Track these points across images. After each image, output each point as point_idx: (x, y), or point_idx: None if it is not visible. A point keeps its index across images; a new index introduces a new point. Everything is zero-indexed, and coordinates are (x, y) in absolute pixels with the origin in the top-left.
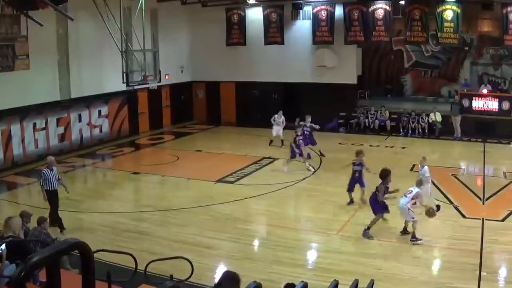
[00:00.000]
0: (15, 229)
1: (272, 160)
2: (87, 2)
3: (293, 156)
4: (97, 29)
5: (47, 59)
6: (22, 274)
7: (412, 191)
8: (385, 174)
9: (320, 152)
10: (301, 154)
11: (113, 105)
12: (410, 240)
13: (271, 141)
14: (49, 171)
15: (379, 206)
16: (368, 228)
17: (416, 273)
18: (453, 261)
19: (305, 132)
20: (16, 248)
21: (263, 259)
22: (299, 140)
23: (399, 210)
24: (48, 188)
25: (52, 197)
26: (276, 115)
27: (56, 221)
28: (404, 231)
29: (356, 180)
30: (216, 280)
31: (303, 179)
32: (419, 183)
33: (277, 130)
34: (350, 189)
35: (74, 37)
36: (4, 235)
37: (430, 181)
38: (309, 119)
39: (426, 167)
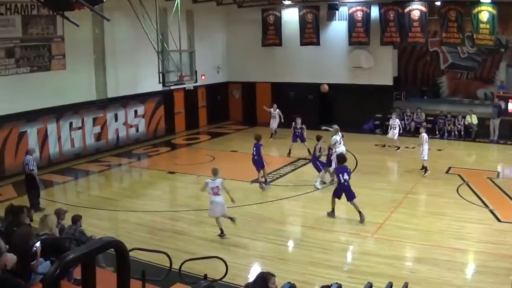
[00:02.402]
0: (51, 227)
1: (308, 161)
2: (123, 3)
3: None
4: (133, 30)
5: (83, 59)
6: (57, 271)
7: (219, 187)
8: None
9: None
10: (323, 166)
11: (149, 105)
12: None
13: (272, 134)
14: None
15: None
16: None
17: (450, 276)
18: (487, 265)
19: (297, 132)
20: (50, 246)
21: (297, 260)
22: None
23: (216, 207)
24: None
25: None
26: (271, 109)
27: None
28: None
29: None
30: (250, 280)
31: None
32: (217, 172)
33: (272, 123)
34: None
35: (110, 37)
36: (40, 233)
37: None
38: (299, 120)
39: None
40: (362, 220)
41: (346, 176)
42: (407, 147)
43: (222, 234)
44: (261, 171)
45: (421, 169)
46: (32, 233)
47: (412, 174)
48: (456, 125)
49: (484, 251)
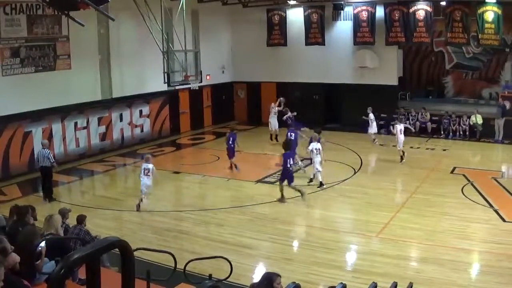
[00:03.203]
0: (56, 227)
1: (310, 161)
2: (128, 3)
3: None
4: (138, 29)
5: (89, 59)
6: (62, 271)
7: (150, 169)
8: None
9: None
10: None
11: (154, 105)
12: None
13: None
14: None
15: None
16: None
17: (455, 276)
18: (492, 265)
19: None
20: (55, 245)
21: (302, 260)
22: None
23: (146, 187)
24: None
25: None
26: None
27: None
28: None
29: None
30: (255, 281)
31: (343, 180)
32: (149, 160)
33: (274, 124)
34: None
35: (115, 37)
36: (45, 233)
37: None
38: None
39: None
40: (303, 198)
41: (291, 162)
42: (411, 147)
43: (138, 208)
44: (233, 159)
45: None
46: (37, 233)
47: (417, 174)
48: (461, 125)
49: (489, 251)
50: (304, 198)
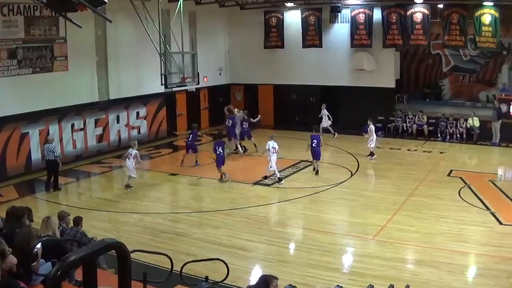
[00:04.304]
0: (54, 228)
1: (310, 163)
2: (126, 5)
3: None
4: (135, 31)
5: (86, 60)
6: (59, 273)
7: (131, 153)
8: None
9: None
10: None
11: (151, 107)
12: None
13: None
14: None
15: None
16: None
17: (451, 279)
18: (488, 268)
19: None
20: (51, 247)
21: (298, 263)
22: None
23: (127, 170)
24: None
25: None
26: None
27: None
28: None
29: None
30: (252, 283)
31: (340, 183)
32: (134, 145)
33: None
34: None
35: (112, 39)
36: (41, 234)
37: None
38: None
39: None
40: (222, 180)
41: (220, 149)
42: (408, 149)
43: (129, 187)
44: (196, 154)
45: (368, 155)
46: (33, 235)
47: (414, 176)
48: (458, 127)
49: (485, 254)
50: (222, 181)
